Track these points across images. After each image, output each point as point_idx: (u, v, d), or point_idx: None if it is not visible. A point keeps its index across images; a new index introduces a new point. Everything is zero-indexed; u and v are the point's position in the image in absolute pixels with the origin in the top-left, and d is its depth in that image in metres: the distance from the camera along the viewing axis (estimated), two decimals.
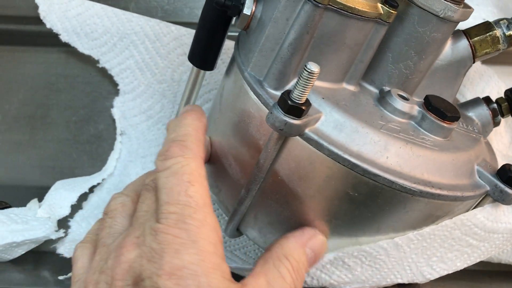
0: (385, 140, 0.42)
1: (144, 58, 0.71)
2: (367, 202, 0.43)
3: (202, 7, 0.51)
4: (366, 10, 0.42)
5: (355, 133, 0.42)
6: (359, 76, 0.47)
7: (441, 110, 0.45)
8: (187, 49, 0.70)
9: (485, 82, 0.66)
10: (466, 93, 0.65)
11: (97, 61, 0.71)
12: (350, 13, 0.42)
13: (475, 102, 0.55)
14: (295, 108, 0.39)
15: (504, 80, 0.70)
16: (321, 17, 0.41)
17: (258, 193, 0.46)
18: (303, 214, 0.45)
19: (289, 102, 0.39)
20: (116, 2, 0.72)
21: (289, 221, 0.46)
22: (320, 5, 0.40)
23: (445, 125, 0.45)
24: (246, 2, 0.45)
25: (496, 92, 0.66)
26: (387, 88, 0.48)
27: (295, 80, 0.44)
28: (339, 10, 0.41)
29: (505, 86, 0.67)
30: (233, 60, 0.50)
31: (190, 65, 0.56)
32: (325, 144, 0.41)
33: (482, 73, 0.67)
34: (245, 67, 0.46)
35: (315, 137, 0.41)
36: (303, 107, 0.39)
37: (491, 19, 0.51)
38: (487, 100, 0.55)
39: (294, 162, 0.43)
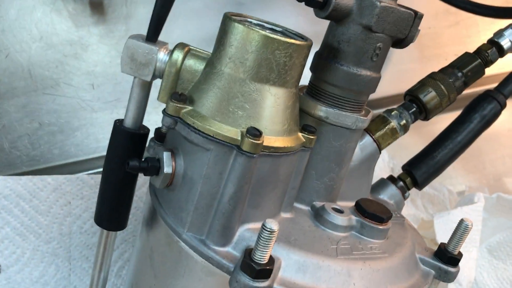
0: (346, 266, 0.42)
1: (22, 221, 0.62)
2: None
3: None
4: (293, 145, 0.42)
5: (319, 270, 0.41)
6: (293, 202, 0.46)
7: (377, 215, 0.46)
8: (70, 197, 0.62)
9: None
10: None
11: None
12: (281, 153, 0.41)
13: (383, 184, 0.58)
14: (263, 271, 0.37)
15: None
16: (256, 165, 0.40)
17: None
18: None
19: (255, 266, 0.36)
20: None
21: None
22: (254, 155, 0.39)
23: (383, 227, 0.46)
24: (164, 160, 0.42)
25: (381, 160, 0.71)
26: (318, 204, 0.48)
27: (241, 230, 0.42)
28: (272, 153, 0.40)
29: (387, 154, 0.73)
30: (153, 215, 0.46)
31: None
32: None
33: None
34: (181, 229, 0.42)
35: None
36: (270, 267, 0.37)
37: None
38: (392, 179, 0.58)
39: None
